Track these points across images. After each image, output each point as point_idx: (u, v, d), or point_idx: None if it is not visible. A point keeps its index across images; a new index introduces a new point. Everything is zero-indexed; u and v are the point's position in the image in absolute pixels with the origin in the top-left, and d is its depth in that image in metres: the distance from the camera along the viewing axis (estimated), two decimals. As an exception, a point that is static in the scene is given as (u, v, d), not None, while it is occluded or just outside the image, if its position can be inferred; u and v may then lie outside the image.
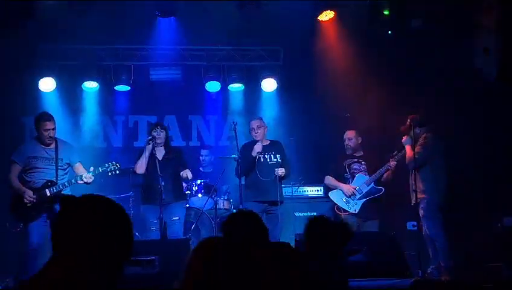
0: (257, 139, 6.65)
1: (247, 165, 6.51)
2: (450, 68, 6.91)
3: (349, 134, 6.98)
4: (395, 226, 6.74)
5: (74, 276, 1.66)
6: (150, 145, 6.31)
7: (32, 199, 5.80)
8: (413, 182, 6.19)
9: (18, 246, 5.94)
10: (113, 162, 6.17)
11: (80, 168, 6.14)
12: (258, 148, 6.50)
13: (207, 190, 7.25)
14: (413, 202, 6.25)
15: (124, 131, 8.82)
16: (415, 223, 6.38)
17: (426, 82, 7.14)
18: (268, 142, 6.81)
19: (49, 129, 5.97)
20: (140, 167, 6.41)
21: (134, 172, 6.56)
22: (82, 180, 5.97)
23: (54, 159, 6.00)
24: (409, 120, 6.31)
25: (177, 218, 6.39)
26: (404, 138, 6.47)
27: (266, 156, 6.59)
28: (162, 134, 6.54)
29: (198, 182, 7.27)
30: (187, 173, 6.53)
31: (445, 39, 6.88)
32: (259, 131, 6.67)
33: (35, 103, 7.83)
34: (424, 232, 6.27)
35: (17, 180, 5.93)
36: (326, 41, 7.75)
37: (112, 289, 1.73)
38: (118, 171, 6.17)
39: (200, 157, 8.02)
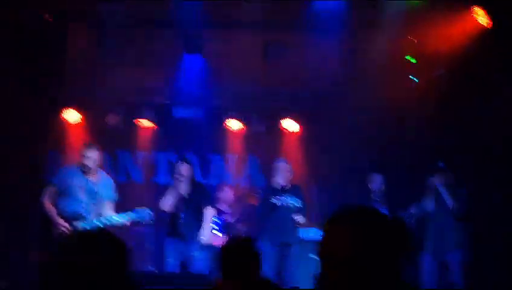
0: (280, 181, 6.66)
1: (265, 205, 6.54)
2: (472, 117, 6.84)
3: (378, 178, 6.92)
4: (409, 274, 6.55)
5: None
6: (179, 185, 6.27)
7: (65, 231, 5.63)
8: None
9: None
10: (148, 211, 5.91)
11: (108, 206, 5.97)
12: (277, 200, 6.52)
13: (224, 227, 7.24)
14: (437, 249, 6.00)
15: (144, 167, 8.88)
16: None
17: (447, 131, 7.07)
18: (290, 185, 6.82)
19: (85, 156, 5.87)
20: (166, 204, 6.30)
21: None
22: (116, 223, 5.74)
23: (92, 192, 5.87)
24: (441, 164, 6.09)
25: (199, 254, 6.30)
26: (434, 181, 6.14)
27: (286, 198, 6.63)
28: (186, 168, 6.49)
29: (215, 219, 7.25)
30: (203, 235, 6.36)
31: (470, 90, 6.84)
32: (283, 174, 6.70)
33: (60, 136, 7.96)
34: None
35: (51, 204, 5.79)
36: (351, 85, 7.77)
37: None
38: (152, 222, 6.03)
39: (222, 194, 8.01)
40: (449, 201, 6.01)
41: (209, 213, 6.52)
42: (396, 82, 7.33)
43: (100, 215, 5.90)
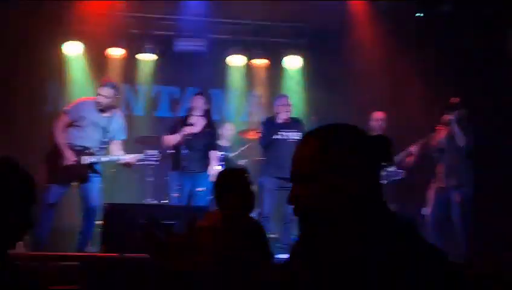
0: (281, 116, 6.59)
1: (267, 140, 6.52)
2: (480, 55, 6.76)
3: (379, 115, 6.89)
4: (410, 210, 6.67)
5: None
6: (187, 131, 6.21)
7: (69, 164, 5.59)
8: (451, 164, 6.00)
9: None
10: (156, 154, 6.00)
11: (116, 146, 5.95)
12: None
13: (226, 162, 7.28)
14: (445, 185, 6.03)
15: (146, 100, 8.84)
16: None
17: (455, 67, 7.00)
18: (290, 119, 6.80)
19: (100, 95, 5.78)
20: (169, 142, 6.33)
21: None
22: (123, 162, 5.82)
23: (103, 130, 5.81)
24: (457, 99, 5.97)
25: (203, 189, 6.36)
26: (448, 117, 6.02)
27: (288, 133, 6.60)
28: (201, 103, 6.44)
29: (218, 154, 7.28)
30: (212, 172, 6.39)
31: (477, 26, 6.72)
32: (284, 109, 6.62)
33: (61, 67, 7.87)
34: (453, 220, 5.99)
35: (62, 135, 5.70)
36: (353, 21, 7.66)
37: None
38: (157, 162, 6.14)
39: (224, 132, 7.99)
40: (460, 137, 5.98)
41: (215, 154, 6.59)
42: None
43: (108, 153, 5.95)
